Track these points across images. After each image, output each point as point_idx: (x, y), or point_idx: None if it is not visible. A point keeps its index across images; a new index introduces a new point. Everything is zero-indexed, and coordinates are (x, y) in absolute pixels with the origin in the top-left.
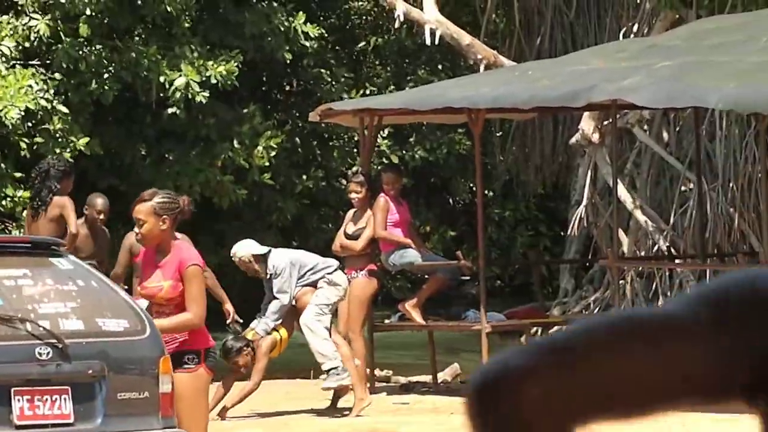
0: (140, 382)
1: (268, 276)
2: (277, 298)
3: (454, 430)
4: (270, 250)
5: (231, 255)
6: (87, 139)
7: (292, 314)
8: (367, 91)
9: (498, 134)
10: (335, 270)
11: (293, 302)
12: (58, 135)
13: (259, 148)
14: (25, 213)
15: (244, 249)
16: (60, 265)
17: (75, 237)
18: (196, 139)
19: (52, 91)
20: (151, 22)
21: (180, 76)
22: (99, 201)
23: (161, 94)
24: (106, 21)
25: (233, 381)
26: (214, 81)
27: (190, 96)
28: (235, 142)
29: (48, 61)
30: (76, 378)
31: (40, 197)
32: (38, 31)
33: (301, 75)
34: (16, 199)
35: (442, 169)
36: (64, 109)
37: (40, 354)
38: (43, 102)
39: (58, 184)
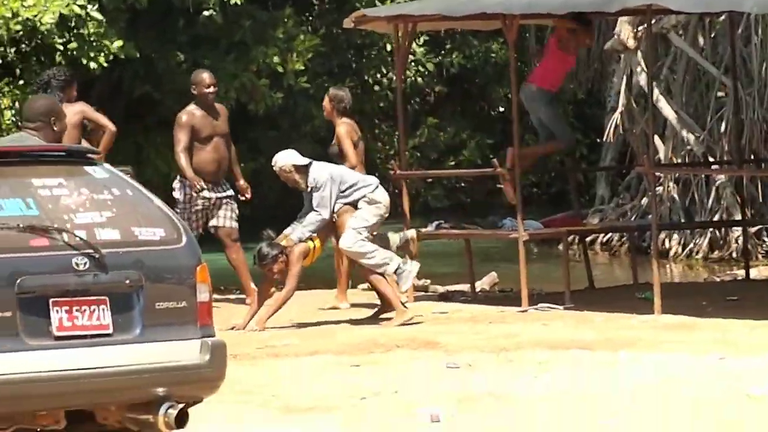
0: (178, 291)
1: (309, 189)
2: (317, 212)
3: (492, 338)
4: (311, 162)
5: (272, 164)
6: (121, 42)
7: (328, 227)
8: None
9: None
10: (375, 188)
11: (333, 218)
12: (92, 39)
13: (295, 52)
14: None
15: (285, 159)
16: (95, 173)
17: (114, 133)
18: (231, 44)
19: (85, 3)
20: None
21: None
22: (205, 75)
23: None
24: None
25: (269, 289)
26: None
27: None
28: (270, 45)
29: None
30: (114, 288)
31: None
32: None
33: None
34: None
35: (479, 77)
36: (99, 16)
37: (77, 264)
38: (76, 8)
39: (62, 93)
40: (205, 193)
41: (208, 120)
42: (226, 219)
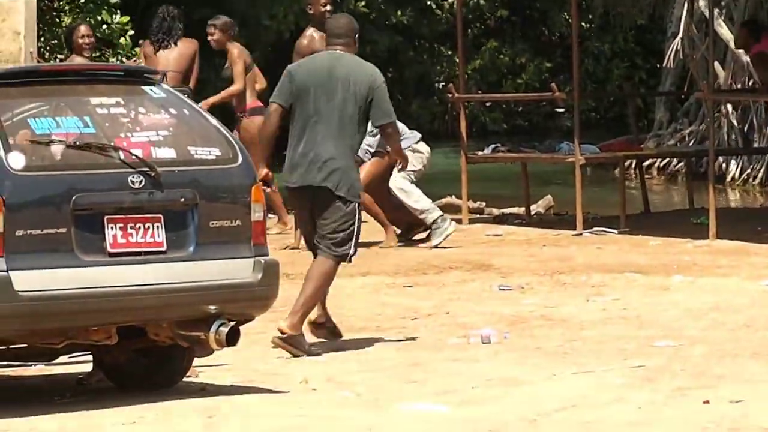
0: (232, 210)
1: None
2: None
3: (546, 261)
4: None
5: None
6: None
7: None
8: None
9: None
10: (419, 140)
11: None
12: None
13: None
14: (139, 44)
15: None
16: (152, 93)
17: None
18: None
19: None
20: None
21: None
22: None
23: None
24: None
25: None
26: None
27: None
28: None
29: None
30: (169, 206)
31: (170, 33)
32: None
33: None
34: (113, 26)
35: (540, 1)
36: None
37: (132, 182)
38: None
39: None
40: None
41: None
42: None
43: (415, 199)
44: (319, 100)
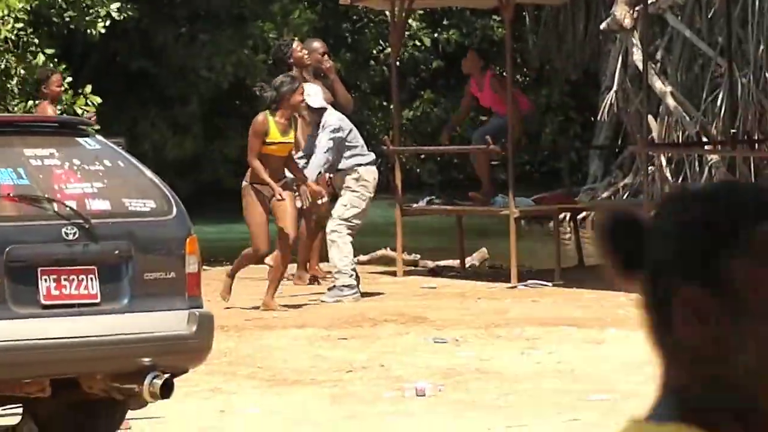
0: (167, 262)
1: (320, 126)
2: (325, 153)
3: (480, 314)
4: (327, 108)
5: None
6: (118, 4)
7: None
8: None
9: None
10: (369, 163)
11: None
12: (88, 6)
13: (291, 25)
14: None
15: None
16: (87, 144)
17: None
18: (228, 20)
19: None
20: None
21: None
22: (316, 44)
23: None
24: None
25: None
26: None
27: None
28: (266, 20)
29: None
30: (103, 258)
31: None
32: None
33: None
34: None
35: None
36: None
37: (66, 234)
38: None
39: None
40: None
41: None
42: None
43: (341, 256)
44: None
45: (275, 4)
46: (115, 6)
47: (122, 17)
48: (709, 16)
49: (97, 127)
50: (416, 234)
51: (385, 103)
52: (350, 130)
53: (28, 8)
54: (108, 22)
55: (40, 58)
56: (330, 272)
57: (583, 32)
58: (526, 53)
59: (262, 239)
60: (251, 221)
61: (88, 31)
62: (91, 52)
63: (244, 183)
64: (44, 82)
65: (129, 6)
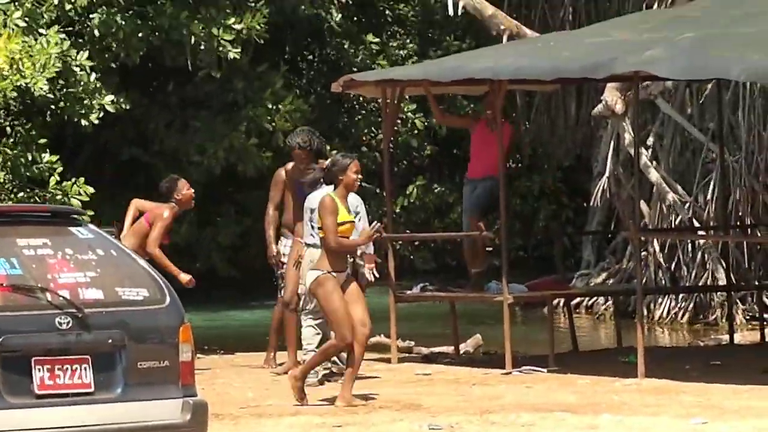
0: (160, 351)
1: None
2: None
3: (475, 400)
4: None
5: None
6: (112, 96)
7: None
8: (391, 58)
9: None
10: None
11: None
12: (83, 96)
13: (282, 111)
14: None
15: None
16: (80, 234)
17: None
18: (221, 106)
19: (79, 56)
20: None
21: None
22: (297, 140)
23: (191, 59)
24: None
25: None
26: (244, 36)
27: (221, 54)
28: (258, 106)
29: (82, 29)
30: (96, 347)
31: None
32: (74, 1)
33: (325, 44)
34: (42, 165)
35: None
36: (90, 76)
37: (60, 323)
38: (68, 66)
39: None
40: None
41: None
42: None
43: (310, 336)
44: None
45: (267, 90)
46: (109, 98)
47: (116, 109)
48: (700, 102)
49: (91, 212)
50: (410, 320)
51: (377, 191)
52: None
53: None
54: (101, 113)
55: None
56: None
57: (575, 118)
58: (518, 139)
59: (348, 328)
60: (335, 309)
61: (82, 122)
62: (83, 141)
63: (317, 273)
64: (174, 191)
65: (123, 98)
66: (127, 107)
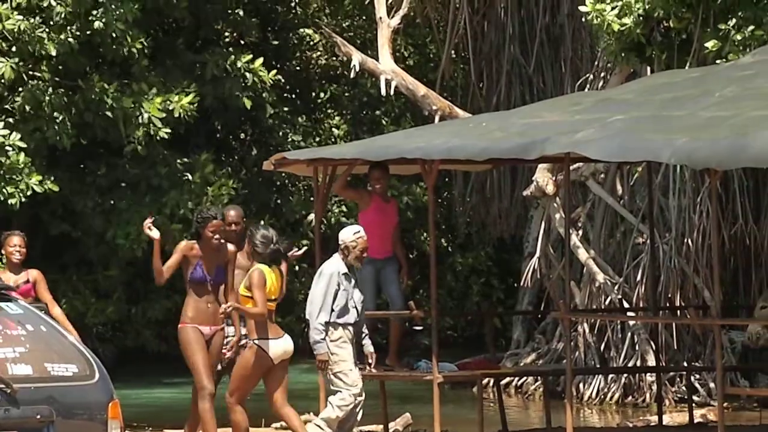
0: (89, 427)
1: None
2: None
3: None
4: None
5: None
6: (40, 177)
7: None
8: (325, 138)
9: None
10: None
11: None
12: (10, 176)
13: (209, 195)
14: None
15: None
16: (9, 309)
17: None
18: (147, 188)
19: (7, 134)
20: (110, 63)
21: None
22: (232, 213)
23: (123, 136)
24: (65, 63)
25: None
26: (176, 115)
27: (152, 132)
28: (184, 190)
29: (9, 105)
30: (25, 423)
31: None
32: (2, 75)
33: (257, 123)
34: None
35: (400, 219)
36: (20, 156)
37: None
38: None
39: None
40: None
41: None
42: None
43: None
44: None
45: (195, 174)
46: (36, 179)
47: (44, 190)
48: (631, 184)
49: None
50: None
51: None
52: None
53: None
54: (29, 193)
55: None
56: None
57: (510, 197)
58: (453, 218)
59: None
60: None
61: (9, 201)
62: (12, 217)
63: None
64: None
65: (51, 179)
66: (56, 189)
